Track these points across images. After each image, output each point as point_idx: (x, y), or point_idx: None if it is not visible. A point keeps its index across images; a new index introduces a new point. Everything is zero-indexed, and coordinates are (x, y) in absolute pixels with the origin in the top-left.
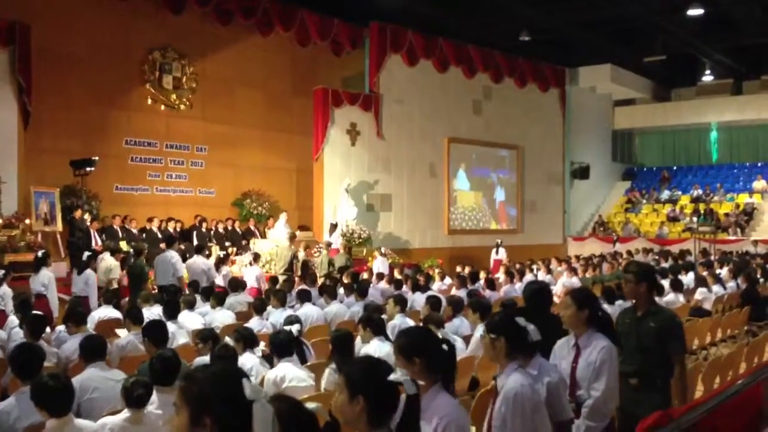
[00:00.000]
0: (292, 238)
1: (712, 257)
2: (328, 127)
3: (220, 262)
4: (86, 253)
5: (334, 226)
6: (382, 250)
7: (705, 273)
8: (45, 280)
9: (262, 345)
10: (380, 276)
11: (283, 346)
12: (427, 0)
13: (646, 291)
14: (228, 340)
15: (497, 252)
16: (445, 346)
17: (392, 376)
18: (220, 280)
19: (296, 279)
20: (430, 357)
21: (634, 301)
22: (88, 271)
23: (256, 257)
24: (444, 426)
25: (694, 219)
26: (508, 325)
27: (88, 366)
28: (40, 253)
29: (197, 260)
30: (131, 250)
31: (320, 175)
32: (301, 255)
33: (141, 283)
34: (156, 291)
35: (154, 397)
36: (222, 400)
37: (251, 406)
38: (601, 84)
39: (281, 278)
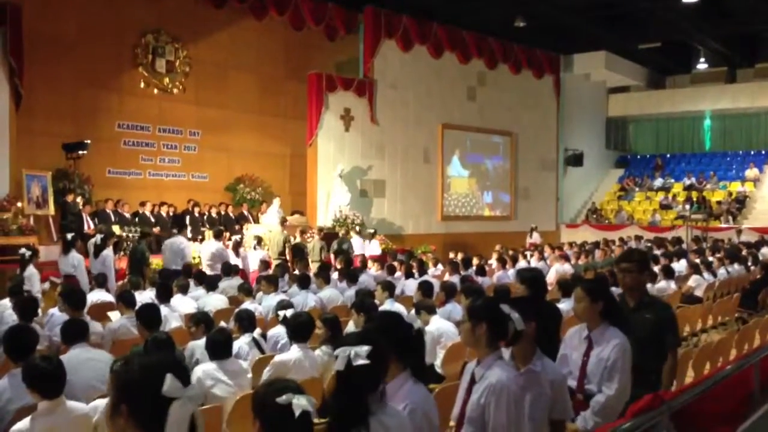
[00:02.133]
0: (283, 222)
1: (706, 245)
2: (322, 112)
3: (238, 245)
4: (69, 234)
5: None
6: (357, 228)
7: (698, 260)
8: (75, 262)
9: (258, 330)
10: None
11: (299, 329)
12: None
13: (646, 281)
14: (223, 324)
15: (531, 236)
16: (414, 332)
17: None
18: (238, 263)
19: (289, 263)
20: (399, 343)
21: (623, 290)
22: (74, 253)
23: (260, 241)
24: (409, 412)
25: (687, 207)
26: (491, 311)
27: (70, 348)
28: (69, 236)
29: (212, 244)
30: (129, 234)
31: (314, 160)
32: (298, 240)
33: (141, 266)
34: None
35: None
36: (141, 392)
37: (169, 402)
38: (596, 71)
39: (275, 263)
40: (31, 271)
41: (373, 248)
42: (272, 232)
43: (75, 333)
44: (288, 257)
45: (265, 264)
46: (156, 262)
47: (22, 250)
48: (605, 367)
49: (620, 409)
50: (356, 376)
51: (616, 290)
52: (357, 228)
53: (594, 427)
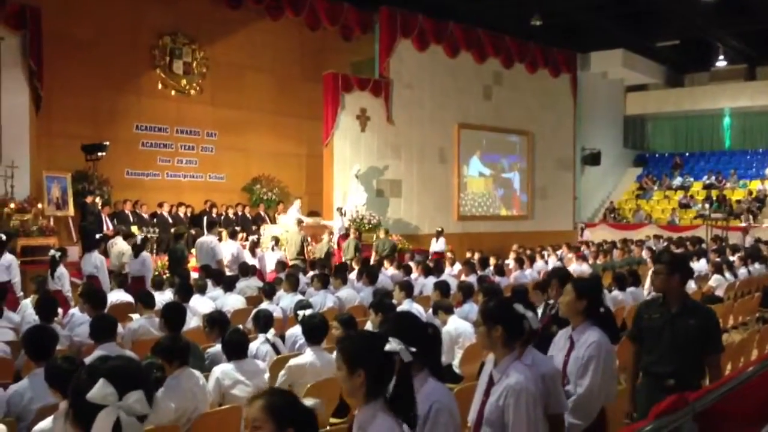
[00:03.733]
0: (300, 223)
1: (728, 244)
2: (338, 112)
3: (255, 246)
4: (97, 235)
5: (339, 210)
6: (337, 206)
7: (718, 260)
8: (97, 262)
9: (272, 331)
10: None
11: (314, 331)
12: None
13: (679, 283)
14: (239, 326)
15: (582, 234)
16: (430, 330)
17: (388, 346)
18: (255, 263)
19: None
20: (417, 342)
21: (660, 294)
22: (96, 253)
23: (277, 242)
24: (435, 411)
25: (707, 206)
26: (505, 312)
27: (98, 347)
28: (97, 236)
29: (231, 244)
30: (148, 234)
31: (330, 160)
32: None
33: (181, 265)
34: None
35: None
36: (82, 397)
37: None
38: (613, 69)
39: (291, 263)
40: (61, 271)
41: (440, 245)
42: (290, 232)
43: (105, 330)
44: (307, 257)
45: (282, 265)
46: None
47: (52, 252)
48: (580, 365)
49: (595, 408)
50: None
51: (635, 290)
52: (337, 207)
53: (572, 427)
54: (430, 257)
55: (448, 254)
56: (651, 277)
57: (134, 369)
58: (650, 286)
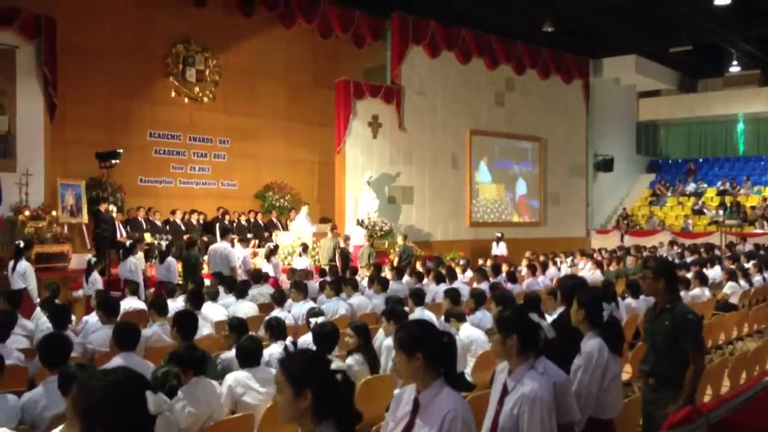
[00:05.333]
0: (333, 229)
1: (745, 250)
2: (350, 119)
3: (272, 253)
4: (128, 242)
5: (360, 222)
6: (358, 218)
7: (732, 267)
8: (132, 267)
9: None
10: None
11: (325, 338)
12: None
13: (665, 288)
14: (252, 333)
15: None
16: (445, 339)
17: (334, 365)
18: (269, 270)
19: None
20: (432, 350)
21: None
22: (132, 258)
23: (305, 248)
24: (450, 421)
25: (720, 212)
26: (520, 321)
27: (117, 355)
28: (128, 243)
29: (238, 250)
30: (160, 241)
31: (342, 167)
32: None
33: (195, 272)
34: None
35: None
36: (117, 413)
37: (153, 420)
38: (626, 75)
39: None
40: (95, 276)
41: (501, 249)
42: (324, 239)
43: (127, 339)
44: (338, 263)
45: (293, 272)
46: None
47: (88, 257)
48: (572, 372)
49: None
50: None
51: (648, 297)
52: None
53: None
54: (492, 261)
55: (461, 261)
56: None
57: (138, 379)
58: None
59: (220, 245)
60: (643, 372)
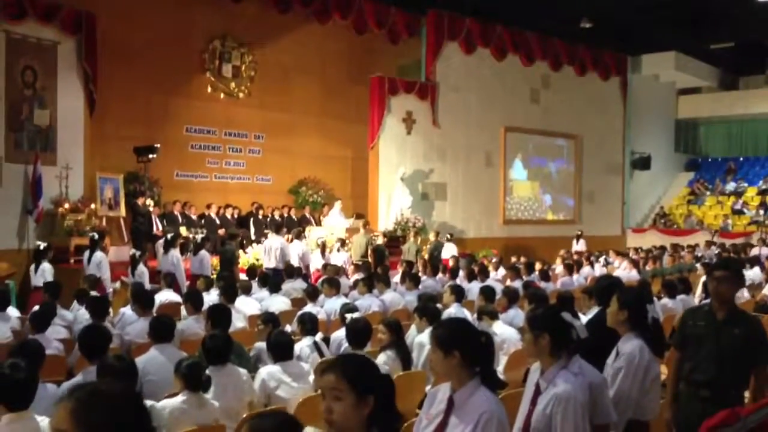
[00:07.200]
0: (366, 225)
1: None
2: (384, 115)
3: (324, 247)
4: (169, 234)
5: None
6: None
7: None
8: (174, 260)
9: (320, 334)
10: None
11: (358, 334)
12: None
13: (733, 291)
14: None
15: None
16: (483, 339)
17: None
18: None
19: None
20: (469, 350)
21: (708, 300)
22: (173, 251)
23: (343, 243)
24: (485, 421)
25: (761, 212)
26: (552, 320)
27: (152, 347)
28: (169, 236)
29: (296, 245)
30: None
31: (375, 163)
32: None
33: (231, 266)
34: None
35: None
36: (123, 429)
37: None
38: (665, 72)
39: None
40: (141, 269)
41: (581, 246)
42: (357, 235)
43: (162, 331)
44: (370, 259)
45: (324, 267)
46: (243, 261)
47: (132, 251)
48: (611, 375)
49: (619, 421)
50: None
51: (686, 297)
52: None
53: None
54: (572, 256)
55: (494, 258)
56: (704, 283)
57: (134, 391)
58: (701, 294)
59: (275, 240)
60: (694, 382)
